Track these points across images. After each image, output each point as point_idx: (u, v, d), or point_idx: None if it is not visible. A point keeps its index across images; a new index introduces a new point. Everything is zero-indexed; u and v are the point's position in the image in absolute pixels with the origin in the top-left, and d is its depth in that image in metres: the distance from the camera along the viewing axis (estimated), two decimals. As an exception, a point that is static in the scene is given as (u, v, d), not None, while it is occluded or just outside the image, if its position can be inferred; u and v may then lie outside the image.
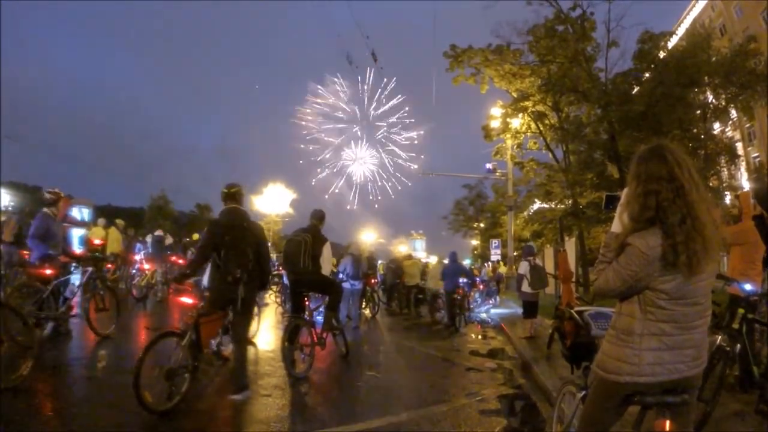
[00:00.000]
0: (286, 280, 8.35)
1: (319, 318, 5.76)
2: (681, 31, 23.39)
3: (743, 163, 21.25)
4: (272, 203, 40.77)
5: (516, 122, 19.51)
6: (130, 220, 17.60)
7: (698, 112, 16.61)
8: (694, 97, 16.23)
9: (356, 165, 32.76)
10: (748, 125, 26.72)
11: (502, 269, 21.37)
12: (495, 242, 25.90)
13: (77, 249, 8.23)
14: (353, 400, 4.60)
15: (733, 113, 18.07)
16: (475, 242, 46.17)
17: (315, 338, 5.18)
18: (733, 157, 17.33)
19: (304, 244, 5.34)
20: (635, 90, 16.91)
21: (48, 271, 5.50)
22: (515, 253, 23.53)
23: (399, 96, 31.07)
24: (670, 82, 15.07)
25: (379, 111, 31.81)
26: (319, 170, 32.15)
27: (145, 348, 3.52)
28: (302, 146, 32.10)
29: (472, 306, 12.76)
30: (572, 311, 3.24)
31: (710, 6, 33.48)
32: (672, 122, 15.38)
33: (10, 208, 18.09)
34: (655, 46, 17.11)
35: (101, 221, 12.32)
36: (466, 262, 27.31)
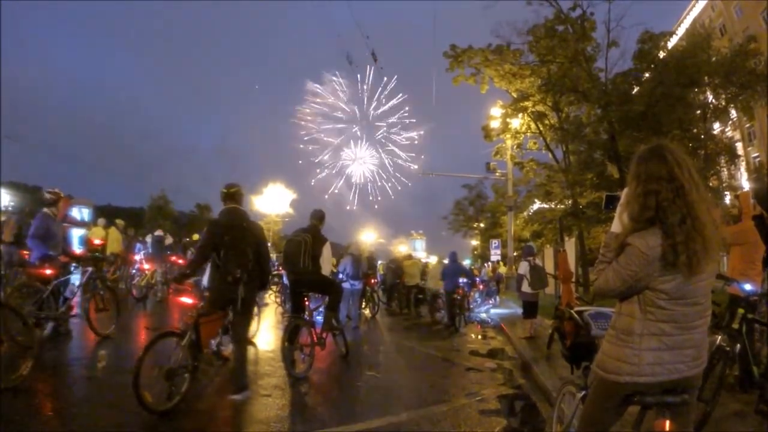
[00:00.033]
0: (286, 280, 8.35)
1: (319, 318, 5.76)
2: (681, 31, 23.38)
3: (743, 163, 21.24)
4: (272, 203, 40.77)
5: (516, 122, 19.51)
6: (130, 220, 17.60)
7: (698, 112, 16.61)
8: (694, 97, 16.23)
9: (356, 165, 32.75)
10: (748, 125, 26.73)
11: (502, 269, 21.37)
12: (495, 242, 25.89)
13: (77, 249, 8.23)
14: (353, 400, 4.60)
15: (733, 113, 18.08)
16: (475, 242, 46.18)
17: (315, 338, 5.18)
18: (733, 157, 17.33)
19: (304, 244, 5.34)
20: (635, 90, 16.92)
21: (48, 271, 5.50)
22: (515, 254, 23.53)
23: (399, 96, 31.09)
24: (670, 82, 15.07)
25: (379, 111, 31.85)
26: (318, 170, 32.18)
27: (144, 348, 3.52)
28: (301, 146, 32.15)
29: (472, 306, 12.75)
30: (572, 311, 3.24)
31: (710, 6, 33.49)
32: (672, 122, 15.38)
33: (10, 208, 18.10)
34: (655, 46, 17.11)
35: (101, 221, 12.32)
36: (466, 262, 27.31)
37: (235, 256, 4.03)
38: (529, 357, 6.36)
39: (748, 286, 3.64)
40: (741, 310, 3.53)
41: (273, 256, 15.82)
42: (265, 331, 7.53)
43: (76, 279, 6.04)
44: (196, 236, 15.17)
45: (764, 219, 3.99)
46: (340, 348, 6.06)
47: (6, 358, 3.67)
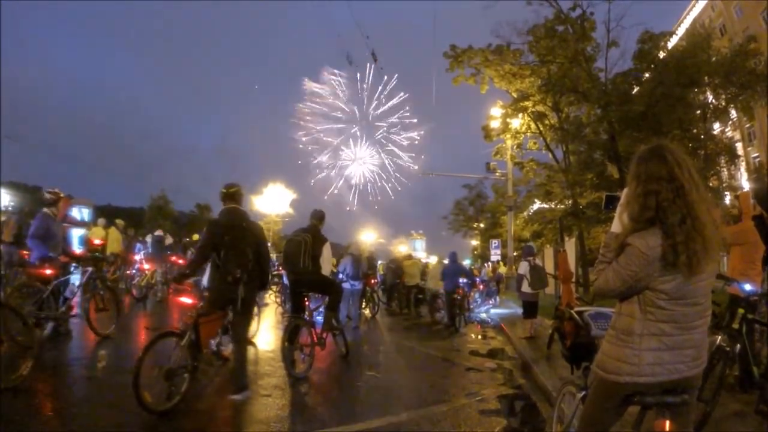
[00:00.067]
0: (286, 280, 8.35)
1: (319, 318, 5.76)
2: (681, 31, 23.39)
3: (743, 164, 21.26)
4: (272, 203, 40.77)
5: (516, 122, 19.52)
6: (130, 220, 17.60)
7: (698, 112, 16.62)
8: (694, 97, 16.23)
9: (356, 165, 32.73)
10: (748, 125, 26.72)
11: (502, 269, 21.36)
12: (495, 242, 25.89)
13: (77, 249, 8.22)
14: (353, 400, 4.60)
15: (733, 113, 18.08)
16: (475, 242, 46.20)
17: (315, 338, 5.18)
18: (732, 157, 17.33)
19: (304, 244, 5.34)
20: (635, 90, 16.92)
21: (48, 271, 5.50)
22: (515, 254, 23.54)
23: (400, 95, 31.04)
24: (670, 82, 15.07)
25: (379, 111, 31.80)
26: (318, 171, 32.17)
27: (144, 348, 3.52)
28: (301, 146, 32.11)
29: (472, 306, 12.75)
30: (572, 311, 3.24)
31: (710, 6, 33.49)
32: (672, 122, 15.38)
33: (10, 208, 18.11)
34: (655, 46, 17.11)
35: (101, 221, 12.32)
36: (466, 263, 27.31)
37: (235, 256, 4.03)
38: (529, 357, 6.36)
39: (748, 286, 3.64)
40: (741, 310, 3.53)
41: (273, 256, 15.81)
42: (265, 331, 7.53)
43: (76, 279, 6.04)
44: (196, 236, 15.17)
45: (764, 219, 3.99)
46: (340, 348, 6.06)
47: (6, 358, 3.67)
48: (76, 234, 9.27)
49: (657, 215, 1.68)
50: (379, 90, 31.37)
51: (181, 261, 11.52)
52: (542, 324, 8.63)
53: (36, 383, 3.91)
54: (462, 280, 10.56)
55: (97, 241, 10.81)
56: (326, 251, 5.65)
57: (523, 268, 8.54)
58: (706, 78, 15.72)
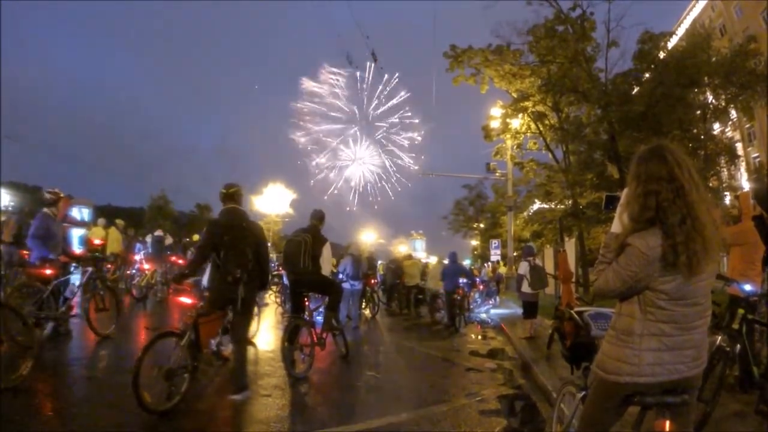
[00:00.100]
0: (286, 280, 8.35)
1: (319, 318, 5.77)
2: (681, 31, 23.39)
3: (743, 164, 21.27)
4: (272, 203, 40.75)
5: (516, 122, 19.52)
6: (130, 220, 17.60)
7: (698, 112, 16.63)
8: (694, 97, 16.24)
9: (355, 165, 32.71)
10: (748, 126, 26.73)
11: (502, 269, 21.37)
12: (495, 242, 25.91)
13: (77, 249, 8.23)
14: (353, 400, 4.60)
15: (733, 113, 18.09)
16: (475, 242, 46.22)
17: (315, 338, 5.18)
18: (732, 157, 17.34)
19: (304, 245, 5.34)
20: (635, 90, 16.92)
21: (48, 271, 5.50)
22: (515, 254, 23.53)
23: (401, 95, 31.00)
24: (670, 83, 15.07)
25: (379, 111, 31.76)
26: (317, 171, 32.15)
27: (144, 348, 3.52)
28: (300, 147, 32.05)
29: (471, 306, 12.75)
30: (572, 312, 3.24)
31: (710, 6, 33.49)
32: (672, 123, 15.39)
33: (10, 208, 18.11)
34: (655, 46, 17.11)
35: (101, 221, 12.32)
36: (466, 263, 27.30)
37: (235, 256, 4.03)
38: (529, 357, 6.36)
39: (748, 287, 3.64)
40: (741, 311, 3.53)
41: (273, 256, 15.81)
42: (265, 331, 7.53)
43: (76, 279, 6.04)
44: (196, 237, 15.17)
45: (764, 219, 3.98)
46: (340, 348, 6.06)
47: (6, 358, 3.67)
48: (76, 234, 9.27)
49: (657, 215, 1.68)
50: (379, 89, 31.32)
51: (181, 261, 11.52)
52: (542, 324, 8.63)
53: (36, 383, 3.91)
54: (462, 281, 10.56)
55: (97, 241, 10.81)
56: (326, 251, 5.65)
57: (523, 268, 8.54)
58: (706, 78, 15.73)
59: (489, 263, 26.96)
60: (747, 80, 15.09)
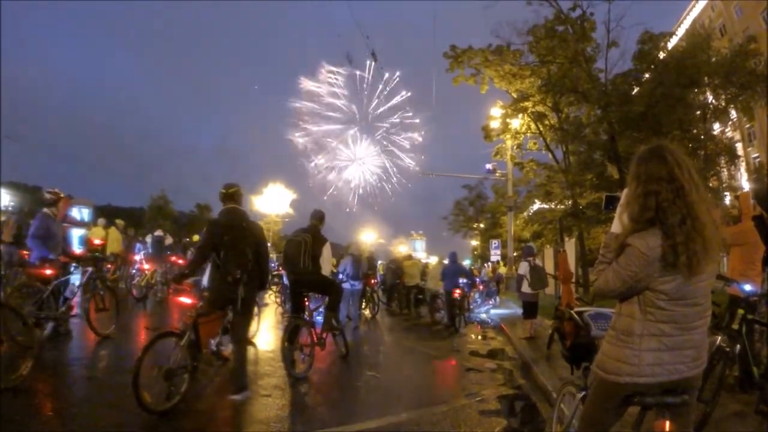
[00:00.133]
0: (286, 280, 8.35)
1: (319, 318, 5.77)
2: (681, 31, 23.38)
3: (743, 164, 21.27)
4: (272, 203, 40.72)
5: (516, 123, 19.51)
6: (130, 220, 17.62)
7: (698, 112, 16.62)
8: (694, 97, 16.23)
9: (355, 165, 32.66)
10: (748, 126, 26.73)
11: (502, 270, 21.36)
12: (495, 243, 25.89)
13: (77, 249, 8.23)
14: (353, 400, 4.60)
15: (733, 114, 18.08)
16: (475, 243, 46.23)
17: (315, 338, 5.18)
18: (732, 157, 17.34)
19: (304, 245, 5.34)
20: (635, 91, 16.92)
21: (48, 271, 5.50)
22: (515, 254, 23.53)
23: (401, 94, 30.92)
24: (670, 83, 15.07)
25: (379, 111, 31.69)
26: (317, 172, 32.09)
27: (143, 348, 3.52)
28: (299, 147, 31.97)
29: (471, 306, 12.75)
30: (572, 312, 3.24)
31: (710, 6, 33.50)
32: (672, 123, 15.38)
33: (10, 208, 18.12)
34: (655, 46, 17.11)
35: (101, 221, 12.32)
36: (466, 263, 27.31)
37: (235, 257, 4.03)
38: (529, 357, 6.36)
39: (747, 287, 3.64)
40: (741, 311, 3.53)
41: (273, 256, 15.82)
42: (265, 331, 7.53)
43: (76, 279, 6.04)
44: (196, 237, 15.17)
45: (764, 219, 3.98)
46: (340, 348, 6.06)
47: (6, 358, 3.67)
48: (76, 234, 9.28)
49: (657, 216, 1.68)
50: (380, 89, 31.22)
51: (181, 261, 11.52)
52: (542, 324, 8.63)
53: (36, 383, 3.91)
54: (462, 281, 10.55)
55: (97, 241, 10.82)
56: (326, 251, 5.65)
57: (523, 268, 8.54)
58: (706, 78, 15.72)
59: (489, 263, 26.96)
60: (747, 80, 15.09)
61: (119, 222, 12.24)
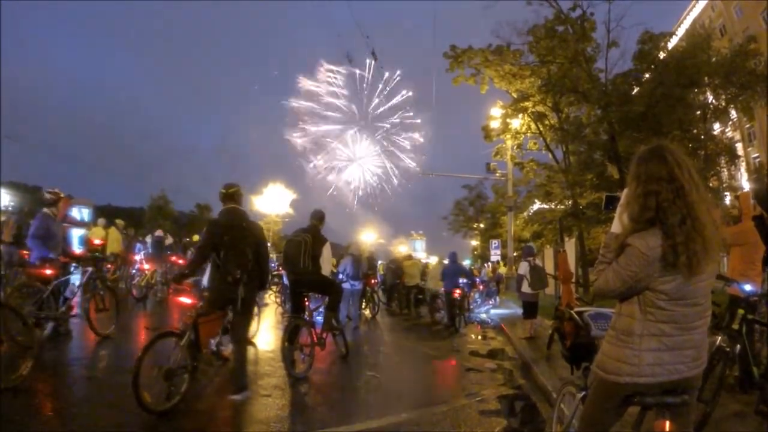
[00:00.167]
0: (286, 280, 8.36)
1: (319, 318, 5.77)
2: (681, 31, 23.39)
3: (743, 164, 21.26)
4: (272, 203, 40.71)
5: (516, 123, 19.50)
6: (130, 220, 17.63)
7: (698, 112, 16.61)
8: (694, 97, 16.23)
9: (355, 166, 32.64)
10: (748, 126, 26.74)
11: (502, 270, 21.36)
12: (495, 243, 25.89)
13: (77, 249, 8.23)
14: (353, 400, 4.60)
15: (733, 114, 18.08)
16: (475, 243, 46.24)
17: (315, 338, 5.18)
18: (733, 157, 17.33)
19: (304, 245, 5.34)
20: (635, 91, 16.91)
21: (48, 271, 5.50)
22: (515, 254, 23.53)
23: (402, 93, 30.86)
24: (670, 83, 15.06)
25: (379, 111, 31.65)
26: (316, 173, 32.02)
27: (143, 348, 3.52)
28: (298, 148, 31.91)
29: (471, 306, 12.75)
30: (572, 312, 3.24)
31: (710, 6, 33.50)
32: (672, 123, 15.38)
33: (10, 208, 18.12)
34: (655, 46, 17.10)
35: (101, 221, 12.33)
36: (466, 263, 27.30)
37: (235, 257, 4.03)
38: (529, 357, 6.36)
39: (748, 287, 3.64)
40: (741, 311, 3.53)
41: (273, 256, 15.81)
42: (265, 331, 7.53)
43: (76, 279, 6.04)
44: (196, 237, 15.17)
45: (764, 219, 3.98)
46: (340, 348, 6.06)
47: (6, 358, 3.67)
48: (76, 234, 9.29)
49: (657, 216, 1.68)
50: (380, 88, 31.17)
51: (181, 261, 11.53)
52: (542, 324, 8.63)
53: (36, 383, 3.91)
54: (462, 281, 10.55)
55: (97, 241, 10.82)
56: (326, 251, 5.65)
57: (523, 268, 8.54)
58: (706, 78, 15.72)
59: (489, 263, 26.96)
60: (747, 80, 15.08)
61: (119, 222, 12.25)
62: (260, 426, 3.56)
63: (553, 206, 20.74)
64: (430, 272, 12.57)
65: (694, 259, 1.63)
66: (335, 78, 30.66)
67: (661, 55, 17.26)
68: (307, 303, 5.52)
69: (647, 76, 17.16)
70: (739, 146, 21.59)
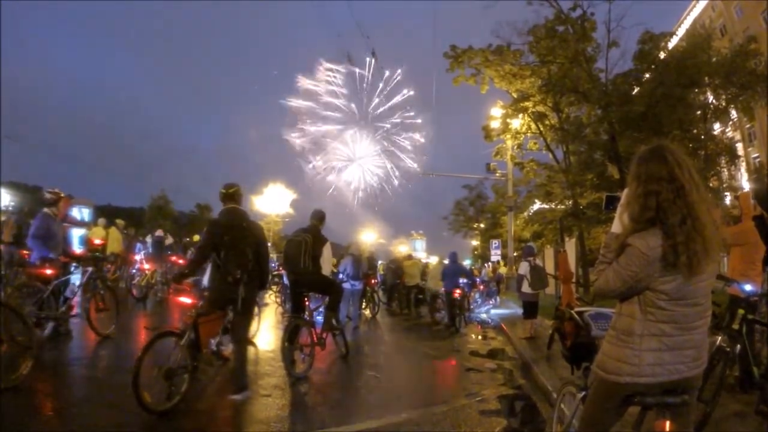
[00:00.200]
0: (286, 280, 8.36)
1: (319, 318, 5.77)
2: (681, 31, 23.38)
3: (743, 164, 21.26)
4: (272, 203, 40.69)
5: (516, 123, 19.50)
6: (130, 220, 17.63)
7: (698, 112, 16.60)
8: (694, 97, 16.22)
9: (355, 166, 32.61)
10: (748, 126, 26.73)
11: (502, 270, 21.37)
12: (495, 243, 25.90)
13: (77, 249, 8.23)
14: (353, 400, 4.60)
15: (734, 114, 18.06)
16: (475, 243, 46.22)
17: (315, 338, 5.18)
18: (733, 157, 17.33)
19: (305, 245, 5.34)
20: (635, 90, 16.90)
21: (48, 271, 5.51)
22: (515, 254, 23.52)
23: (402, 93, 30.82)
24: (670, 83, 15.05)
25: (379, 111, 31.63)
26: (316, 173, 31.97)
27: (143, 348, 3.52)
28: (297, 148, 31.87)
29: (472, 306, 12.76)
30: (572, 312, 3.24)
31: (710, 6, 33.50)
32: (672, 123, 15.37)
33: (10, 208, 18.12)
34: (655, 46, 17.09)
35: (101, 221, 12.33)
36: (467, 263, 27.30)
37: (235, 257, 4.03)
38: (530, 357, 6.36)
39: (748, 287, 3.63)
40: (741, 311, 3.52)
41: (273, 256, 15.81)
42: (265, 331, 7.53)
43: (76, 279, 6.04)
44: (196, 237, 15.18)
45: (764, 219, 3.98)
46: (340, 348, 6.06)
47: (6, 358, 3.67)
48: (76, 234, 9.28)
49: (657, 216, 1.68)
50: (380, 88, 31.12)
51: (181, 261, 11.53)
52: (542, 324, 8.63)
53: (36, 383, 3.91)
54: (462, 281, 10.56)
55: (97, 241, 10.83)
56: (326, 251, 5.65)
57: (524, 268, 8.54)
58: (706, 78, 15.71)
59: (489, 263, 26.96)
60: (747, 80, 15.07)
61: (119, 222, 12.25)
62: (260, 426, 3.56)
63: (553, 206, 20.73)
64: (431, 272, 12.57)
65: (695, 259, 1.63)
66: (334, 77, 30.65)
67: (662, 55, 17.26)
68: (307, 303, 5.52)
69: (647, 76, 17.15)
70: (740, 146, 21.58)
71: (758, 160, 25.71)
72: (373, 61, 28.78)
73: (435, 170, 28.78)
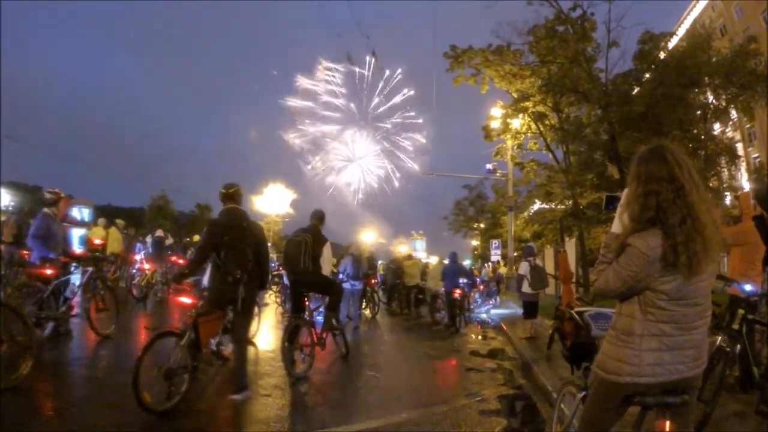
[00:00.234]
0: (286, 280, 8.36)
1: (319, 318, 5.77)
2: (681, 31, 23.39)
3: (743, 164, 21.26)
4: (272, 203, 40.68)
5: (516, 123, 19.49)
6: (130, 220, 17.63)
7: (698, 112, 16.60)
8: (694, 97, 16.22)
9: (355, 165, 32.61)
10: (748, 126, 26.74)
11: (503, 270, 21.37)
12: (495, 243, 25.90)
13: (77, 249, 8.23)
14: (353, 400, 4.61)
15: (734, 114, 18.07)
16: (475, 243, 46.23)
17: (315, 338, 5.19)
18: (733, 157, 17.33)
19: (305, 245, 5.34)
20: (635, 90, 16.90)
21: (48, 271, 5.51)
22: (515, 254, 23.52)
23: (403, 92, 30.81)
24: (670, 83, 15.05)
25: (379, 111, 31.61)
26: (315, 173, 31.93)
27: (143, 348, 3.52)
28: (297, 148, 31.83)
29: (472, 306, 12.75)
30: (572, 312, 3.24)
31: (710, 6, 33.50)
32: (672, 123, 15.37)
33: (10, 208, 18.12)
34: (655, 46, 17.09)
35: (101, 221, 12.33)
36: (467, 263, 27.30)
37: (235, 256, 4.03)
38: (530, 357, 6.35)
39: (748, 287, 3.63)
40: (741, 311, 3.53)
41: (273, 256, 15.81)
42: (265, 331, 7.53)
43: (76, 279, 6.04)
44: (196, 237, 15.18)
45: (764, 219, 3.98)
46: (340, 348, 6.06)
47: (6, 358, 3.67)
48: (76, 234, 9.27)
49: (657, 216, 1.68)
50: (380, 87, 31.10)
51: (181, 261, 11.53)
52: (542, 324, 8.63)
53: (36, 383, 3.91)
54: (462, 281, 10.55)
55: (97, 241, 10.83)
56: (326, 251, 5.65)
57: (524, 268, 8.54)
58: (706, 78, 15.71)
59: (489, 263, 26.96)
60: (747, 80, 15.07)
61: (119, 222, 12.26)
62: (260, 426, 3.57)
63: (553, 206, 20.73)
64: (431, 272, 12.57)
65: (695, 259, 1.63)
66: (334, 77, 30.65)
67: (662, 55, 17.25)
68: (307, 303, 5.52)
69: (647, 76, 17.15)
70: (740, 146, 21.59)
71: (758, 160, 25.71)
72: (373, 60, 28.80)
73: (435, 170, 28.78)
